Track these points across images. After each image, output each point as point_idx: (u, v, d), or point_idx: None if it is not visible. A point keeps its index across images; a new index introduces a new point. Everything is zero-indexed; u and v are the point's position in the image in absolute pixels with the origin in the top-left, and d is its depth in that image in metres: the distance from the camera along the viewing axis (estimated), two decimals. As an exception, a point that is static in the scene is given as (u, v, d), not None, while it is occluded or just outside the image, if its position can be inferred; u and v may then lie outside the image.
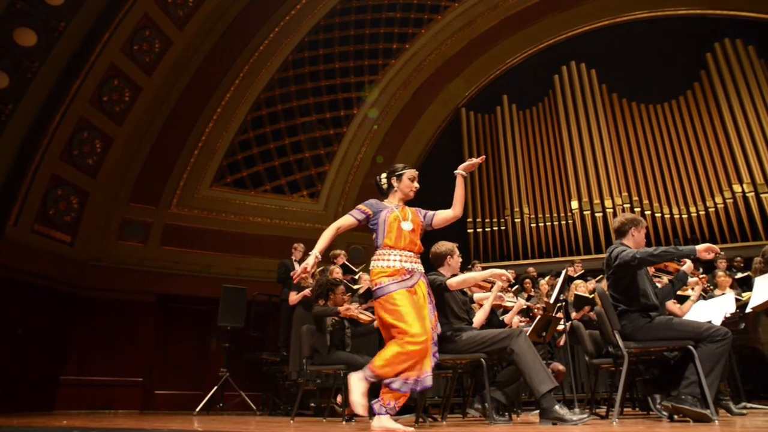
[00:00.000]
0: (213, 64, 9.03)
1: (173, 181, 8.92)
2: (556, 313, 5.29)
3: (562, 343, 5.74)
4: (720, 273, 5.74)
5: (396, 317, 2.68)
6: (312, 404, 5.90)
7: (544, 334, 5.06)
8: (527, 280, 7.08)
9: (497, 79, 11.23)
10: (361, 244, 9.90)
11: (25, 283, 6.97)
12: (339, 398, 4.90)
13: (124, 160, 8.36)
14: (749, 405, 4.72)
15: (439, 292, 3.51)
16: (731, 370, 4.56)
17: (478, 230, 10.08)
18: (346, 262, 6.42)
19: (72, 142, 7.51)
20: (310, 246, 7.88)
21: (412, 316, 2.68)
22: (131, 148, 8.43)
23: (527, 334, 3.31)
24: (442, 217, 3.06)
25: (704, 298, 4.88)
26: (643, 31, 10.56)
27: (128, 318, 8.00)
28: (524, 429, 2.94)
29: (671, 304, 4.81)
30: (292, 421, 4.36)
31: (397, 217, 2.94)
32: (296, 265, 6.80)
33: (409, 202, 3.15)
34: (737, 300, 4.78)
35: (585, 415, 2.97)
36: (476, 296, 4.36)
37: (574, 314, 5.67)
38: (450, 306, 3.62)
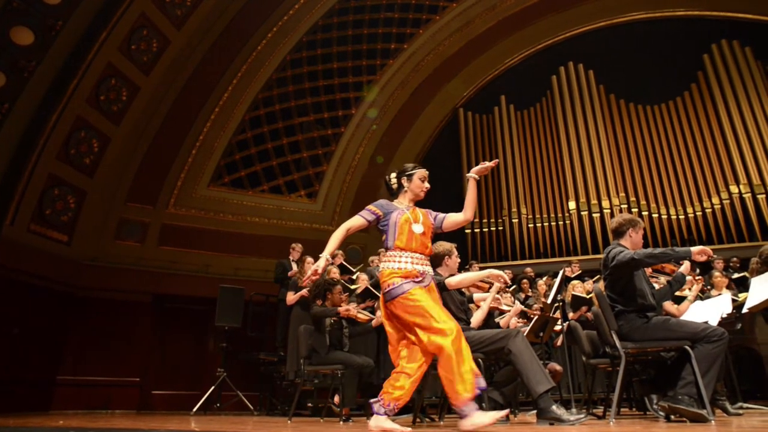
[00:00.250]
0: (211, 63, 9.02)
1: (171, 181, 8.90)
2: (554, 313, 5.29)
3: (559, 343, 5.75)
4: (716, 273, 5.75)
5: (419, 313, 2.63)
6: (309, 404, 5.90)
7: (541, 334, 5.06)
8: (525, 281, 7.09)
9: (495, 80, 11.24)
10: (358, 244, 9.90)
11: (22, 283, 6.94)
12: (336, 398, 4.91)
13: (121, 159, 8.34)
14: (745, 405, 4.74)
15: (438, 291, 3.50)
16: (727, 370, 4.58)
17: (476, 230, 10.09)
18: (344, 262, 6.42)
19: (69, 141, 7.49)
20: (307, 246, 7.92)
21: (437, 310, 2.64)
22: (128, 148, 8.41)
23: (524, 334, 3.32)
24: (453, 220, 3.03)
25: (701, 299, 4.89)
26: (641, 32, 10.58)
27: (125, 318, 7.98)
28: (521, 429, 2.95)
29: (668, 305, 4.82)
30: (289, 421, 4.35)
31: (408, 219, 2.88)
32: (294, 265, 6.80)
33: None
34: (734, 300, 4.79)
35: (582, 416, 2.98)
36: (476, 296, 4.37)
37: (571, 314, 5.68)
38: (448, 306, 3.61)
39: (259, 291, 7.83)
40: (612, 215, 9.21)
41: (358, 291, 5.71)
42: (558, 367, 4.92)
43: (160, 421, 4.89)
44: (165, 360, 8.29)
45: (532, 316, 5.29)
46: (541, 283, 6.67)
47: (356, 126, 10.56)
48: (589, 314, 5.55)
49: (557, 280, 5.16)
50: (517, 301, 5.47)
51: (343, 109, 10.54)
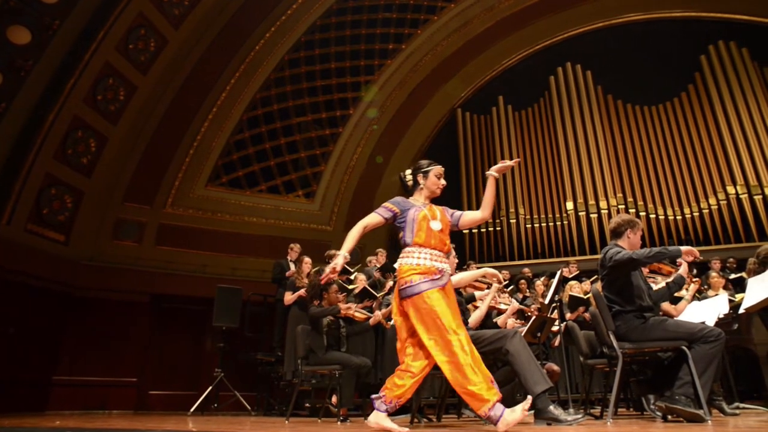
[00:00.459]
0: (208, 63, 9.00)
1: (168, 181, 8.88)
2: (551, 313, 5.30)
3: (556, 343, 5.76)
4: (713, 274, 5.77)
5: (431, 318, 2.61)
6: (307, 404, 5.89)
7: (539, 334, 5.06)
8: (522, 281, 7.09)
9: (493, 80, 11.26)
10: (356, 244, 9.89)
11: (19, 282, 6.92)
12: (334, 398, 4.90)
13: (118, 159, 8.32)
14: (742, 405, 4.75)
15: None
16: (724, 370, 4.60)
17: (474, 231, 10.10)
18: (342, 263, 6.40)
19: (66, 141, 7.47)
20: (305, 246, 7.89)
21: (448, 318, 2.60)
22: (126, 148, 8.39)
23: (522, 334, 3.32)
24: (470, 218, 2.99)
25: (698, 299, 4.90)
26: (639, 33, 10.61)
27: (122, 318, 7.95)
28: (519, 429, 2.95)
29: (666, 305, 4.83)
30: (287, 422, 4.35)
31: (426, 215, 2.84)
32: (292, 265, 6.79)
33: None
34: (730, 301, 4.81)
35: (579, 416, 2.98)
36: (477, 294, 4.37)
37: (568, 315, 5.69)
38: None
39: (257, 291, 7.82)
40: (609, 216, 9.23)
41: (356, 291, 5.71)
42: (555, 368, 4.92)
43: (157, 421, 4.88)
44: (162, 360, 8.27)
45: (528, 313, 5.30)
46: (539, 283, 6.68)
47: (354, 126, 10.56)
48: (586, 315, 5.57)
49: (555, 281, 5.17)
50: (514, 300, 5.47)
51: (341, 109, 10.54)
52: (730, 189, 9.07)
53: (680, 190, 9.51)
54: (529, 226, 9.91)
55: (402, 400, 2.69)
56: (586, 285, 6.17)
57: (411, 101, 10.89)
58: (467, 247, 9.95)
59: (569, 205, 9.79)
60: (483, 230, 10.14)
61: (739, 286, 6.12)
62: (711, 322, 3.98)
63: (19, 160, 6.97)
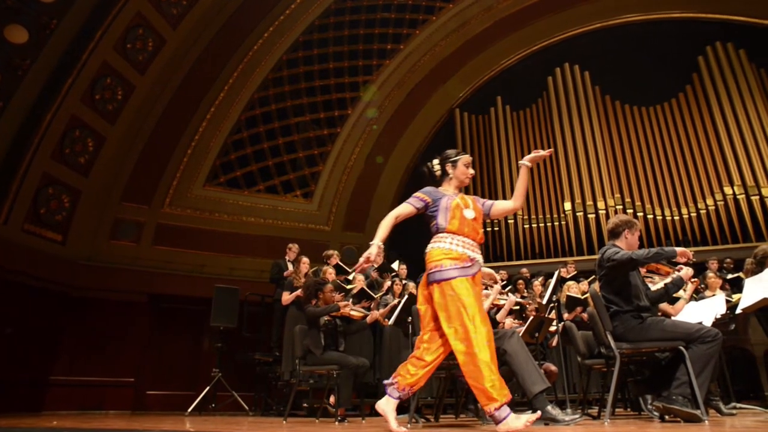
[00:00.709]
0: (206, 63, 8.99)
1: (166, 181, 8.87)
2: (549, 313, 5.31)
3: (554, 343, 5.76)
4: (711, 274, 5.79)
5: (455, 306, 2.56)
6: (305, 405, 5.89)
7: (536, 334, 5.07)
8: (520, 281, 7.09)
9: (491, 81, 11.26)
10: (354, 244, 9.90)
11: (16, 282, 6.90)
12: (332, 398, 4.90)
13: (116, 158, 8.31)
14: (739, 405, 4.76)
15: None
16: (721, 370, 4.61)
17: (472, 231, 10.08)
18: (340, 263, 6.41)
19: (64, 140, 7.45)
20: (303, 246, 7.88)
21: (474, 309, 2.54)
22: (124, 147, 8.38)
23: (520, 334, 3.32)
24: (501, 207, 2.92)
25: (695, 300, 4.92)
26: (636, 34, 10.63)
27: (120, 318, 7.94)
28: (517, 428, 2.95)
29: (664, 304, 4.84)
30: (284, 422, 4.34)
31: (459, 204, 2.78)
32: (289, 265, 6.79)
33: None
34: (727, 301, 4.82)
35: (577, 416, 2.99)
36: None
37: (566, 315, 5.69)
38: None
39: (255, 291, 7.81)
40: (607, 216, 9.24)
41: (354, 291, 5.70)
42: (553, 368, 4.93)
43: (154, 421, 4.87)
44: (160, 360, 8.26)
45: (528, 315, 5.30)
46: (537, 283, 6.68)
47: (352, 126, 10.56)
48: (584, 315, 5.57)
49: (552, 281, 5.18)
50: (510, 295, 5.48)
51: (339, 109, 10.54)
52: (728, 190, 9.09)
53: (678, 191, 9.53)
54: (527, 226, 9.92)
55: (415, 388, 2.69)
56: (584, 285, 6.18)
57: (409, 101, 10.89)
58: (465, 248, 9.94)
59: (567, 205, 9.81)
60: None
61: (736, 286, 6.14)
62: (708, 323, 4.00)
63: (17, 159, 6.95)
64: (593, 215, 9.53)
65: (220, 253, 9.04)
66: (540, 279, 6.93)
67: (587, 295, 5.59)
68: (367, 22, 10.38)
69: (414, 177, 10.55)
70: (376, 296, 5.75)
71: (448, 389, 4.69)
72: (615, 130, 10.25)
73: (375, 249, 2.59)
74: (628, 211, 9.36)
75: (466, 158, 2.94)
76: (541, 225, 9.88)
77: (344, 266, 6.42)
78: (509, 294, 5.57)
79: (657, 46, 10.37)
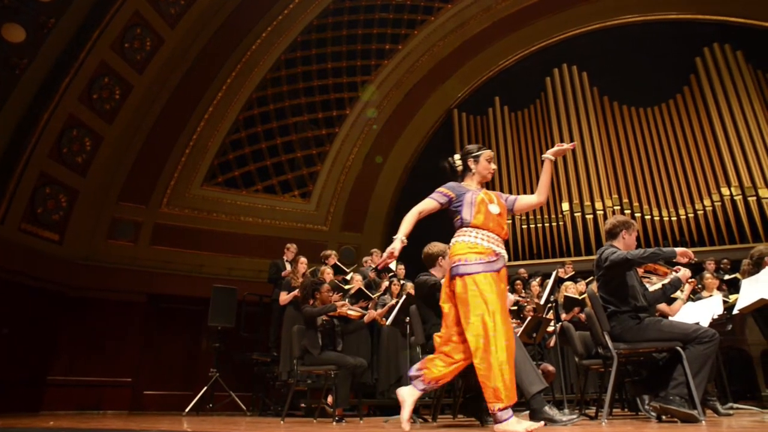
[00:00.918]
0: (205, 62, 8.98)
1: (164, 180, 8.86)
2: (547, 314, 5.32)
3: (552, 344, 5.78)
4: (707, 275, 5.80)
5: (476, 300, 2.49)
6: (302, 405, 5.88)
7: (534, 335, 5.09)
8: (518, 282, 7.11)
9: (489, 81, 11.27)
10: (352, 244, 9.90)
11: (13, 282, 6.88)
12: (330, 399, 4.90)
13: (114, 158, 8.29)
14: (736, 405, 4.78)
15: (432, 292, 3.52)
16: (718, 371, 4.61)
17: (470, 231, 10.09)
18: (338, 263, 6.41)
19: (61, 140, 7.44)
20: (301, 246, 7.88)
21: (496, 306, 2.48)
22: (121, 147, 8.36)
23: (518, 335, 3.32)
24: (525, 202, 2.87)
25: (692, 300, 4.93)
26: (634, 35, 10.65)
27: (118, 318, 7.93)
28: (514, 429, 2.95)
29: (661, 305, 4.85)
30: (282, 422, 4.34)
31: (484, 199, 2.73)
32: (287, 265, 6.78)
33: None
34: (725, 302, 4.83)
35: (574, 416, 2.99)
36: None
37: (564, 315, 5.70)
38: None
39: (253, 291, 7.80)
40: (605, 217, 9.25)
41: (352, 291, 5.70)
42: (551, 368, 4.94)
43: (151, 421, 4.86)
44: (158, 360, 8.25)
45: (523, 306, 5.32)
46: (535, 284, 6.70)
47: (351, 126, 10.55)
48: (581, 315, 5.58)
49: (550, 281, 5.19)
50: (509, 294, 5.49)
51: (337, 109, 10.53)
52: (725, 190, 9.11)
53: (675, 192, 9.55)
54: (524, 226, 9.93)
55: (440, 383, 2.67)
56: (582, 285, 6.19)
57: (407, 101, 10.90)
58: (463, 248, 9.94)
59: (565, 205, 9.82)
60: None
61: (733, 287, 6.16)
62: (705, 323, 4.01)
63: (14, 158, 6.93)
64: (591, 216, 9.54)
65: (218, 253, 9.03)
66: (538, 279, 6.94)
67: (585, 295, 5.60)
68: (365, 23, 10.38)
69: (412, 177, 10.56)
70: (373, 296, 5.75)
71: (446, 389, 4.69)
72: (613, 131, 10.26)
73: (399, 244, 2.54)
74: (626, 211, 9.38)
75: (488, 153, 2.90)
76: (539, 225, 9.89)
77: (342, 266, 6.42)
78: (508, 293, 5.57)
79: (655, 47, 10.39)
